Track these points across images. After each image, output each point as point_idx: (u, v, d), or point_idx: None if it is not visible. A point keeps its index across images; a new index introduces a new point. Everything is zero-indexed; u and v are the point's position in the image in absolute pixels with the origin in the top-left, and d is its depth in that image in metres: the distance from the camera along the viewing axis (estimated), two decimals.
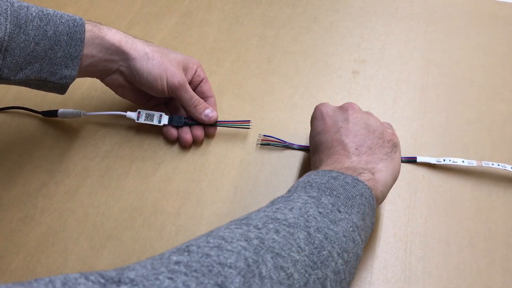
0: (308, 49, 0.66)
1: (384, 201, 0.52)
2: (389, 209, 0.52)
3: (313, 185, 0.40)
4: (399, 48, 0.66)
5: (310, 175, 0.42)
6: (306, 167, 0.55)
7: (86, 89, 0.63)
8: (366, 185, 0.41)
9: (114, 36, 0.50)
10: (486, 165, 0.52)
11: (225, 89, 0.62)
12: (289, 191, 0.41)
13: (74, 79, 0.49)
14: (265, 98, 0.61)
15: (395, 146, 0.47)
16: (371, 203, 0.40)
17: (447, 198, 0.52)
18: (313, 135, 0.49)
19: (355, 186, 0.40)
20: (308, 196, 0.38)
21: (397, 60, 0.65)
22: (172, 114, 0.58)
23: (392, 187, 0.52)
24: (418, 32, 0.68)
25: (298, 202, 0.37)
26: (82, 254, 0.49)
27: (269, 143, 0.56)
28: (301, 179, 0.42)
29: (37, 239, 0.50)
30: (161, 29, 0.69)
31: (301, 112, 0.60)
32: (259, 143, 0.56)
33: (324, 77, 0.63)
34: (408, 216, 0.51)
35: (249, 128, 0.56)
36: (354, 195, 0.39)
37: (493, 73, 0.63)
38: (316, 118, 0.49)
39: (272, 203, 0.39)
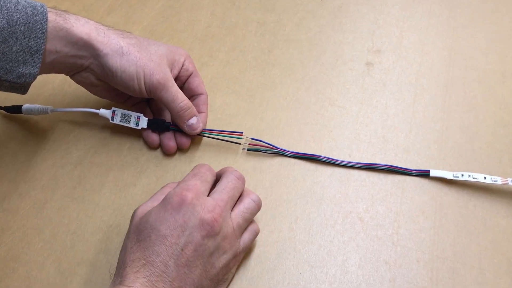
0: (314, 37, 0.59)
1: (404, 219, 0.45)
2: (411, 229, 0.44)
3: None
4: (419, 36, 0.59)
5: None
6: (306, 178, 0.48)
7: (59, 83, 0.55)
8: None
9: (82, 28, 0.42)
10: None
11: (219, 84, 0.55)
12: None
13: (35, 78, 0.42)
14: (264, 94, 0.54)
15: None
16: None
17: (479, 215, 0.45)
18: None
19: None
20: None
21: (417, 50, 0.57)
22: (155, 115, 0.51)
23: (414, 202, 0.46)
24: (440, 18, 0.60)
25: None
26: (48, 282, 0.42)
27: (258, 148, 0.49)
28: None
29: None
30: (146, 14, 0.61)
31: (306, 111, 0.53)
32: (246, 148, 0.49)
33: (333, 69, 0.56)
34: (434, 237, 0.44)
35: (239, 143, 0.49)
36: None
37: None
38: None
39: None
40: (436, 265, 0.42)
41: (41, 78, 0.53)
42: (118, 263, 0.38)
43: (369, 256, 0.43)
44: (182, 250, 0.36)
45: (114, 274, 0.37)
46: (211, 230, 0.37)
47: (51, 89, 0.55)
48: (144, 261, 0.35)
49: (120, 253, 0.38)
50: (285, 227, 0.45)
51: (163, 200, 0.39)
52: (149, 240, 0.36)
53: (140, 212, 0.39)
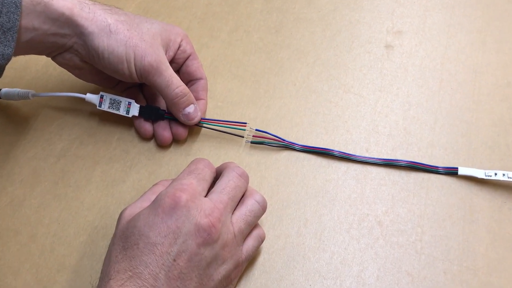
0: (328, 16, 0.54)
1: (429, 223, 0.40)
2: (436, 235, 0.40)
3: None
4: (445, 15, 0.54)
5: None
6: (318, 175, 0.43)
7: (43, 65, 0.51)
8: None
9: (64, 1, 0.39)
10: None
11: (220, 68, 0.51)
12: None
13: (10, 59, 0.38)
14: (271, 80, 0.50)
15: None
16: None
17: None
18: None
19: None
20: None
21: (443, 32, 0.52)
22: (149, 102, 0.47)
23: (440, 204, 0.41)
24: None
25: None
26: None
27: (263, 141, 0.45)
28: None
29: None
30: None
31: (318, 99, 0.48)
32: (249, 140, 0.45)
33: (349, 52, 0.51)
34: (463, 246, 0.39)
35: (242, 135, 0.45)
36: None
37: None
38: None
39: None
40: (466, 278, 0.38)
41: (23, 60, 0.50)
42: (101, 273, 0.34)
43: (389, 266, 0.39)
44: (174, 260, 0.32)
45: (97, 286, 0.33)
46: (208, 237, 0.33)
47: (34, 71, 0.51)
48: (130, 273, 0.31)
49: (104, 261, 0.34)
50: (293, 231, 0.40)
51: (153, 201, 0.34)
52: (137, 249, 0.32)
53: (128, 214, 0.35)
